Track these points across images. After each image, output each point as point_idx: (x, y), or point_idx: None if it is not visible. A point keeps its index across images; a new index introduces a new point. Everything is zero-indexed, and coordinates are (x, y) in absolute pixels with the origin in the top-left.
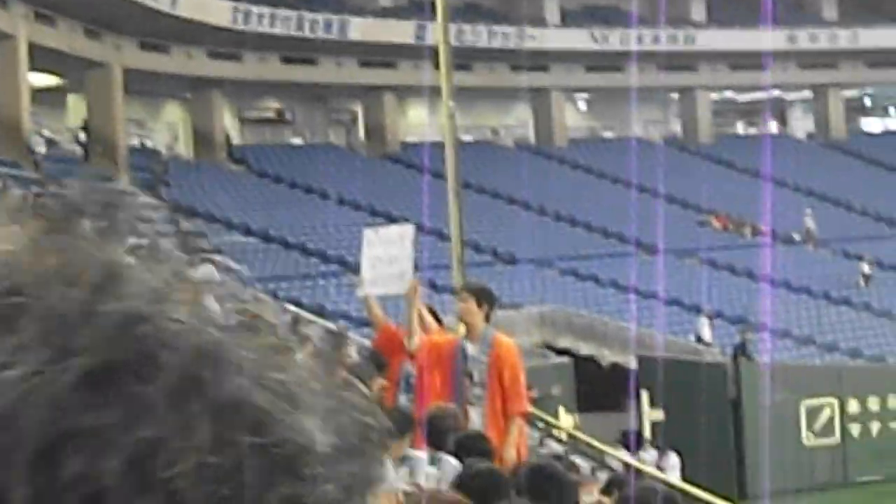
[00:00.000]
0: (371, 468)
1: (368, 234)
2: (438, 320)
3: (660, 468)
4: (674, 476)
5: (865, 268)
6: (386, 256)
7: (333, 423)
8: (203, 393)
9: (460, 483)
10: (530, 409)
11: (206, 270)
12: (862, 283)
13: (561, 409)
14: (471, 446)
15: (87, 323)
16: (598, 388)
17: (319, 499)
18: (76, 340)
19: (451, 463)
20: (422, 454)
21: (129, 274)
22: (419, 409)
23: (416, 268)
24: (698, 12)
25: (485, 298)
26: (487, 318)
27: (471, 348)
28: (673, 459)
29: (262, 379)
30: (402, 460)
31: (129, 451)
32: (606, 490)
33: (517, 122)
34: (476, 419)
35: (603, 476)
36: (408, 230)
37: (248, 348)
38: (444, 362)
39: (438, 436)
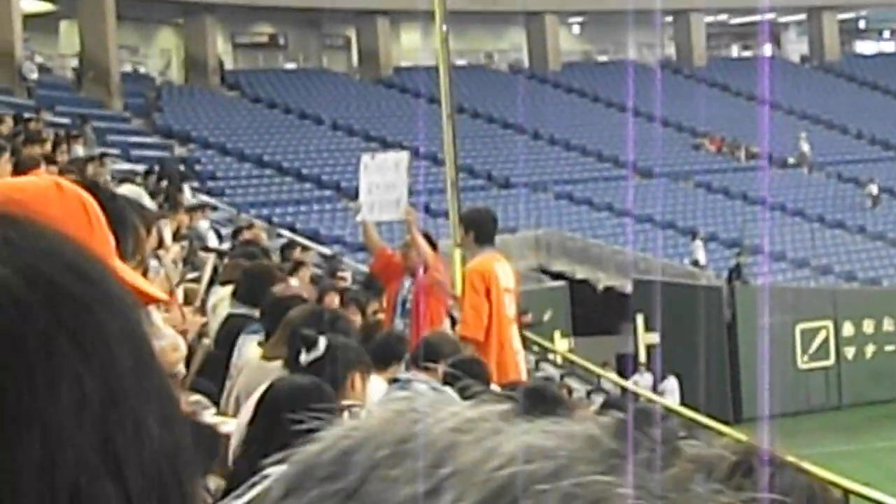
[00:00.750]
0: None
1: (365, 160)
2: (433, 245)
3: (658, 392)
4: (672, 400)
5: (874, 189)
6: (382, 183)
7: None
8: None
9: None
10: (476, 336)
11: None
12: (869, 204)
13: (556, 333)
14: (465, 370)
15: None
16: (593, 312)
17: None
18: None
19: (449, 392)
20: (419, 378)
21: None
22: (416, 333)
23: (411, 193)
24: None
25: (469, 224)
26: (484, 241)
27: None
28: (672, 384)
29: None
30: (397, 383)
31: None
32: (601, 413)
33: (511, 46)
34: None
35: (598, 399)
36: (403, 157)
37: None
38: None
39: (435, 362)
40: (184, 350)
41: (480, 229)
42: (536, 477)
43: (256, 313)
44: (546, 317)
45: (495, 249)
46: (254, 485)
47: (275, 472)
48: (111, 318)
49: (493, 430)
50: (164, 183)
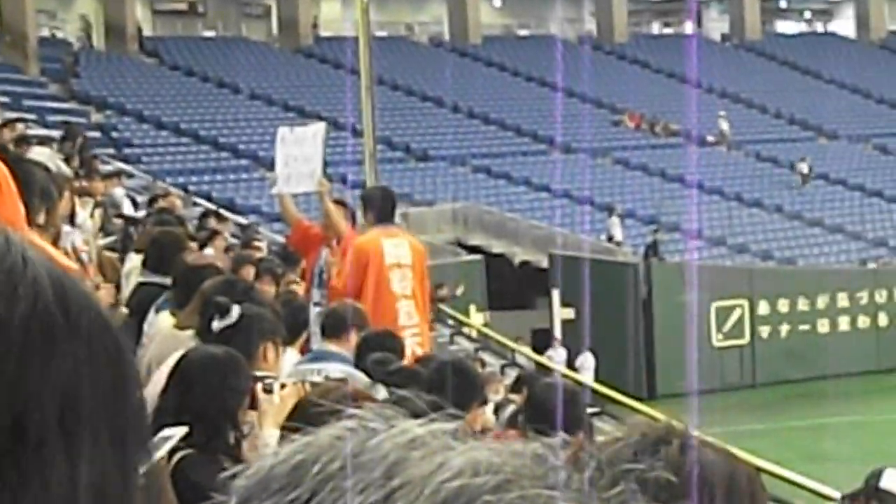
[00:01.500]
0: None
1: (282, 131)
2: (353, 215)
3: (574, 368)
4: (587, 376)
5: (804, 167)
6: (299, 155)
7: None
8: None
9: (376, 380)
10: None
11: None
12: (800, 182)
13: (472, 307)
14: (376, 342)
15: None
16: (509, 287)
17: None
18: None
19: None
20: (331, 349)
21: None
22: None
23: (328, 165)
24: None
25: (367, 202)
26: (383, 217)
27: None
28: (588, 359)
29: None
30: (310, 354)
31: None
32: (514, 387)
33: (432, 18)
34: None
35: (512, 374)
36: (320, 128)
37: None
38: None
39: (341, 331)
40: None
41: (377, 207)
42: (483, 489)
43: (167, 281)
44: (459, 290)
45: (395, 226)
46: (153, 448)
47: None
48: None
49: (443, 447)
50: (71, 145)
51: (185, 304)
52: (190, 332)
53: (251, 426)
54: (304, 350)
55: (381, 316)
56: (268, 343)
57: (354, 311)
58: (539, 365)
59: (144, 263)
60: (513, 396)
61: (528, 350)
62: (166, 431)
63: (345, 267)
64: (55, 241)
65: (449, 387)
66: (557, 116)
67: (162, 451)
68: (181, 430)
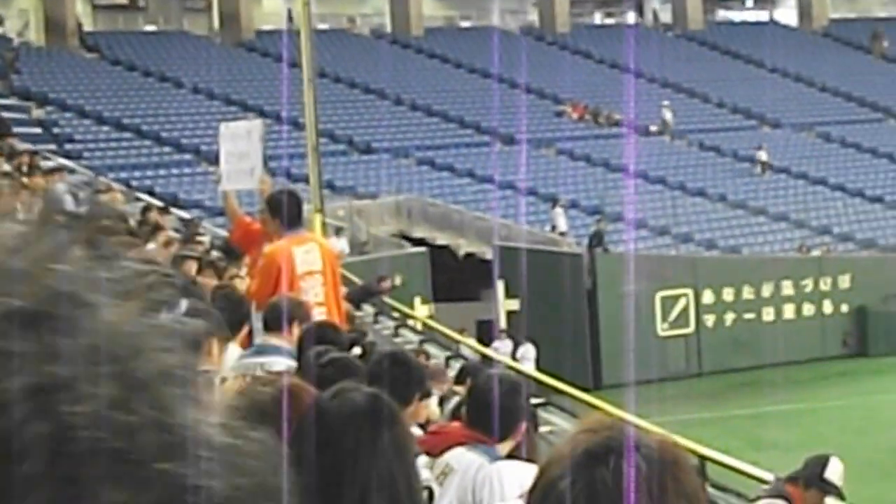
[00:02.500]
0: (259, 489)
1: (223, 128)
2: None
3: (516, 359)
4: (528, 367)
5: (763, 155)
6: (238, 151)
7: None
8: (120, 362)
9: (306, 371)
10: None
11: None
12: (759, 170)
13: (416, 299)
14: (318, 335)
15: (24, 279)
16: (454, 279)
17: (204, 488)
18: (13, 289)
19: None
20: (273, 342)
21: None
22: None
23: (270, 159)
24: None
25: (275, 208)
26: (293, 223)
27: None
28: (528, 350)
29: (176, 370)
30: (252, 348)
31: (34, 378)
32: (458, 379)
33: (373, 10)
34: None
35: (457, 366)
36: (256, 125)
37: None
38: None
39: (283, 324)
40: None
41: (284, 214)
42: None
43: None
44: (398, 281)
45: (303, 231)
46: None
47: None
48: None
49: None
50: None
51: None
52: None
53: None
54: (247, 344)
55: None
56: (213, 339)
57: (297, 304)
58: (484, 357)
59: None
60: (457, 388)
61: (472, 342)
62: None
63: (258, 273)
64: None
65: (389, 379)
66: (499, 108)
67: None
68: None
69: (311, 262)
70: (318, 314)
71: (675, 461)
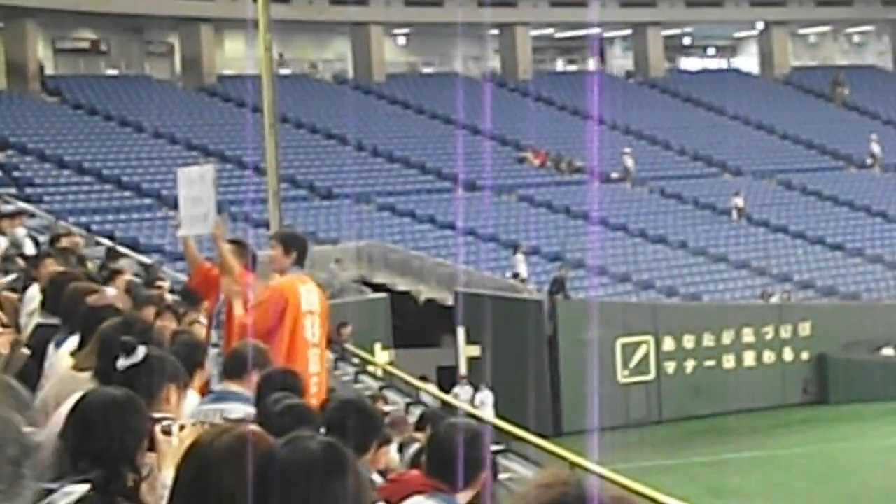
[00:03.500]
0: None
1: (179, 173)
2: (253, 255)
3: (474, 405)
4: (487, 412)
5: (739, 201)
6: (192, 197)
7: None
8: None
9: (265, 418)
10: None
11: None
12: (735, 216)
13: (377, 345)
14: (277, 381)
15: None
16: (415, 324)
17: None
18: None
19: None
20: (232, 389)
21: None
22: (227, 345)
23: (220, 209)
24: None
25: (293, 244)
26: (299, 263)
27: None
28: (486, 395)
29: None
30: (211, 395)
31: None
32: (418, 426)
33: (336, 56)
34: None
35: (416, 412)
36: (208, 170)
37: None
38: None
39: (243, 371)
40: None
41: (301, 252)
42: None
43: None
44: (347, 330)
45: (304, 272)
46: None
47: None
48: None
49: None
50: None
51: (84, 344)
52: (88, 374)
53: (150, 468)
54: (205, 391)
55: (294, 363)
56: (171, 385)
57: (256, 350)
58: (444, 403)
59: (43, 304)
60: (417, 435)
61: (433, 388)
62: (67, 487)
63: (261, 306)
64: None
65: (347, 426)
66: (462, 154)
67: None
68: (83, 488)
69: (311, 302)
70: (314, 355)
71: None
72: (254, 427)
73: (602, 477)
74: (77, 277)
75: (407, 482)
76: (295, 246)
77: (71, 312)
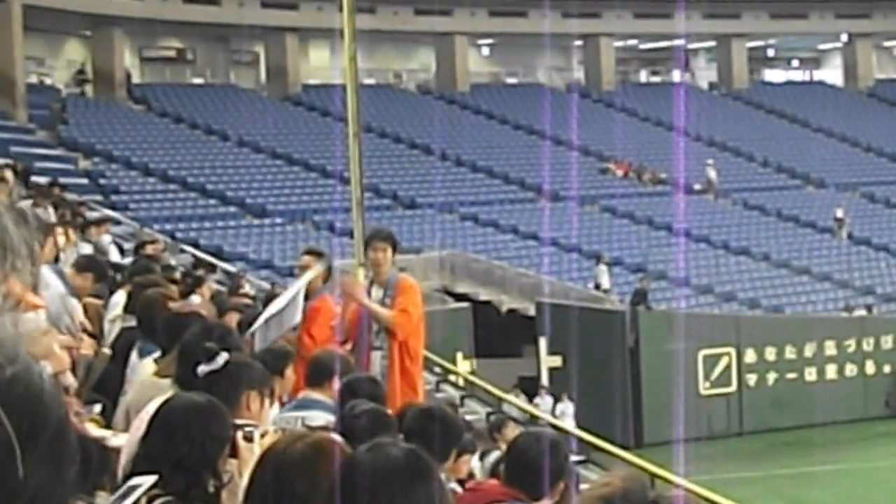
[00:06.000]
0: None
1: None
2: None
3: (554, 415)
4: (568, 423)
5: (839, 212)
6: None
7: None
8: None
9: (343, 424)
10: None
11: None
12: (835, 227)
13: (458, 355)
14: (358, 388)
15: None
16: (496, 334)
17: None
18: None
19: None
20: (313, 397)
21: None
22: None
23: (304, 217)
24: None
25: (396, 245)
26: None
27: (375, 292)
28: (567, 406)
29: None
30: (292, 402)
31: None
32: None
33: (420, 66)
34: (377, 363)
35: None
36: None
37: None
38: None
39: (325, 379)
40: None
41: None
42: None
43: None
44: (452, 336)
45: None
46: (123, 496)
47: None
48: None
49: None
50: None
51: (168, 351)
52: (169, 380)
53: (231, 475)
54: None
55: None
56: (252, 392)
57: (338, 358)
58: (526, 413)
59: (126, 308)
60: (500, 444)
61: (514, 398)
62: (135, 480)
63: (406, 317)
64: (35, 286)
65: (426, 434)
66: (545, 164)
67: (131, 499)
68: (151, 479)
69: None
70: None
71: None
72: (329, 434)
73: (686, 489)
74: (157, 283)
75: (485, 491)
76: (396, 246)
77: (149, 319)
